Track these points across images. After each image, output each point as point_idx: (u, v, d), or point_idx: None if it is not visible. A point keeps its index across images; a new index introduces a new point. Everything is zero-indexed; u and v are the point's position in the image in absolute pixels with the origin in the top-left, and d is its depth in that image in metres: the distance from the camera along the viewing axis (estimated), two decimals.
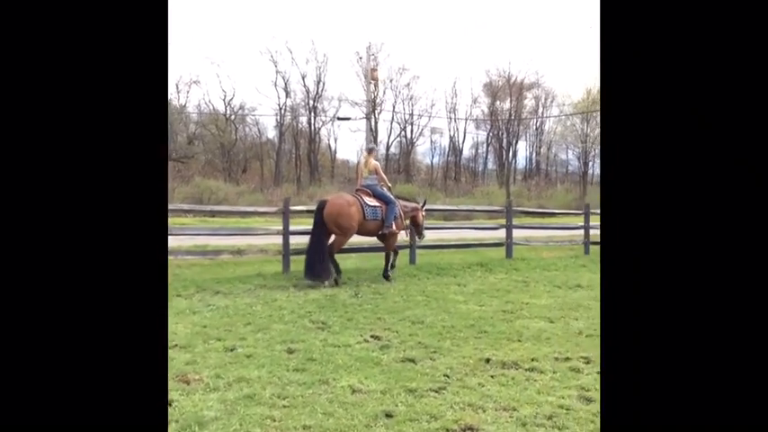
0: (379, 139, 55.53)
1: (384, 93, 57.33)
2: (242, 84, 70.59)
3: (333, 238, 8.75)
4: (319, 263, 8.40)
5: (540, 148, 57.34)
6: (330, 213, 8.56)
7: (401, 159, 56.42)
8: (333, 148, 57.84)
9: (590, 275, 10.32)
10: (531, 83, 53.94)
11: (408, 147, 56.69)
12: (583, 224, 13.59)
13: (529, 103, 56.34)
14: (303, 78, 49.18)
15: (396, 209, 9.15)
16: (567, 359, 5.11)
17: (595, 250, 13.63)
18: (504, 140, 55.28)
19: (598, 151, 55.25)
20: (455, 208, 20.22)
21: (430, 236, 11.54)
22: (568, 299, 8.04)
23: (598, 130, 54.40)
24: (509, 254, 12.31)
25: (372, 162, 9.37)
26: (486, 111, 55.07)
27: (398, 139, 56.46)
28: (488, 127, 55.29)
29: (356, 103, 48.23)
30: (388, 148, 56.42)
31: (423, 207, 10.16)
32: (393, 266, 9.38)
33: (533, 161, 57.40)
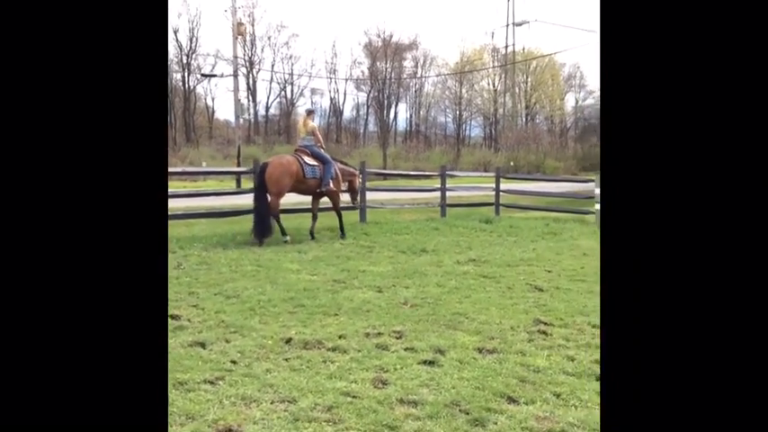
0: (258, 99, 53.69)
1: (263, 50, 55.39)
2: None
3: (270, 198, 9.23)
4: (265, 223, 8.98)
5: (419, 110, 57.68)
6: (271, 174, 9.06)
7: (281, 120, 54.99)
8: (210, 108, 55.41)
9: (439, 239, 10.12)
10: (410, 44, 53.81)
11: (289, 107, 55.31)
12: (439, 186, 13.39)
13: (408, 65, 56.30)
14: (175, 33, 46.40)
15: (332, 168, 9.68)
16: (379, 334, 4.72)
17: (451, 212, 13.55)
18: (385, 102, 55.09)
19: (471, 113, 56.44)
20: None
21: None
22: (408, 265, 7.72)
23: (472, 93, 55.53)
24: (362, 218, 11.94)
25: (310, 124, 9.88)
26: (366, 72, 54.49)
27: (278, 99, 54.91)
28: (369, 88, 54.81)
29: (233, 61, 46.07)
30: (267, 108, 54.78)
31: (360, 174, 10.87)
32: (341, 227, 9.97)
33: (413, 123, 57.69)
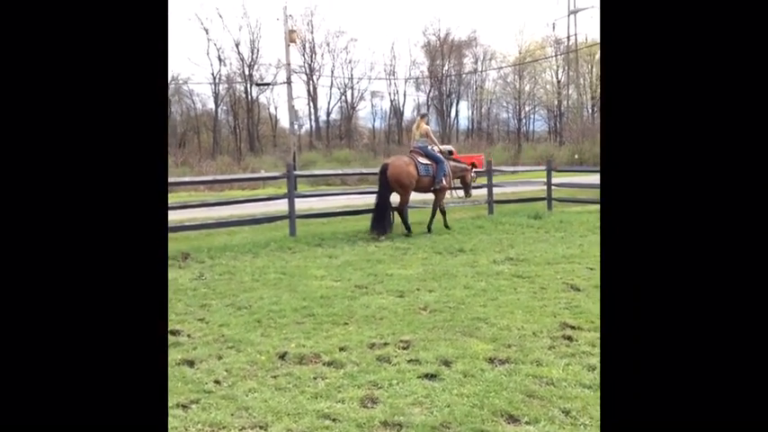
0: (319, 105, 54.17)
1: (322, 57, 55.86)
2: (172, 53, 67.84)
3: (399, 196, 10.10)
4: (385, 219, 9.88)
5: (480, 107, 56.81)
6: (392, 174, 9.83)
7: (342, 125, 55.30)
8: (274, 117, 56.30)
9: (480, 237, 9.65)
10: (469, 41, 53.09)
11: (350, 111, 55.57)
12: (486, 183, 12.85)
13: (468, 62, 55.56)
14: (237, 46, 47.36)
15: (445, 167, 10.39)
16: (385, 345, 4.37)
17: (500, 209, 13.00)
18: (445, 101, 54.57)
19: (533, 107, 55.19)
20: (332, 172, 19.47)
21: (315, 204, 10.73)
22: (440, 266, 7.32)
23: (528, 86, 54.28)
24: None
25: (423, 126, 10.61)
26: (425, 72, 54.09)
27: (339, 104, 55.23)
28: (429, 88, 54.41)
29: (294, 70, 46.64)
30: (328, 113, 55.21)
31: (472, 170, 11.44)
32: (439, 220, 10.57)
33: (474, 121, 56.87)
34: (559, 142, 48.82)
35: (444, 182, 10.40)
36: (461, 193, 11.49)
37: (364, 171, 16.00)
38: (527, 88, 53.85)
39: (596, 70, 54.91)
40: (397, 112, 55.71)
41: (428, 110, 52.59)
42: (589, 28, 73.86)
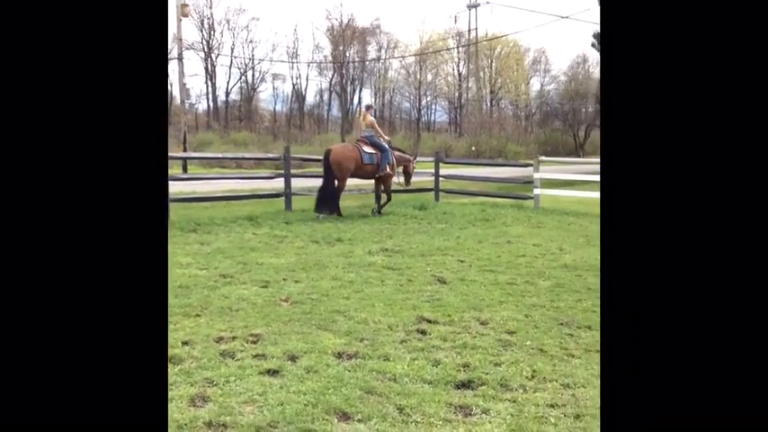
0: (217, 84, 52.54)
1: (222, 35, 54.14)
2: None
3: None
4: (331, 200, 10.55)
5: (383, 95, 57.03)
6: (334, 159, 10.53)
7: (242, 106, 53.95)
8: (170, 94, 54.10)
9: (363, 226, 9.61)
10: (372, 28, 53.08)
11: (250, 93, 54.24)
12: None
13: (372, 49, 55.55)
14: None
15: (389, 156, 11.15)
16: (233, 338, 4.20)
17: (396, 198, 13.02)
18: (348, 87, 54.39)
19: (434, 98, 56.03)
20: (222, 156, 19.15)
21: (198, 187, 10.32)
22: (313, 256, 7.19)
23: (430, 76, 55.06)
24: (288, 206, 11.34)
25: (369, 118, 11.38)
26: (328, 57, 53.63)
27: (239, 84, 53.77)
28: (332, 73, 54.00)
29: (191, 46, 44.92)
30: (227, 94, 53.64)
31: (414, 159, 12.32)
32: (383, 205, 11.32)
33: (376, 109, 56.98)
34: (459, 134, 49.80)
35: (388, 169, 11.11)
36: (402, 179, 12.25)
37: (260, 156, 15.62)
38: (428, 79, 54.57)
39: (495, 64, 56.40)
40: (299, 95, 54.94)
41: (330, 96, 52.25)
42: (489, 22, 75.57)
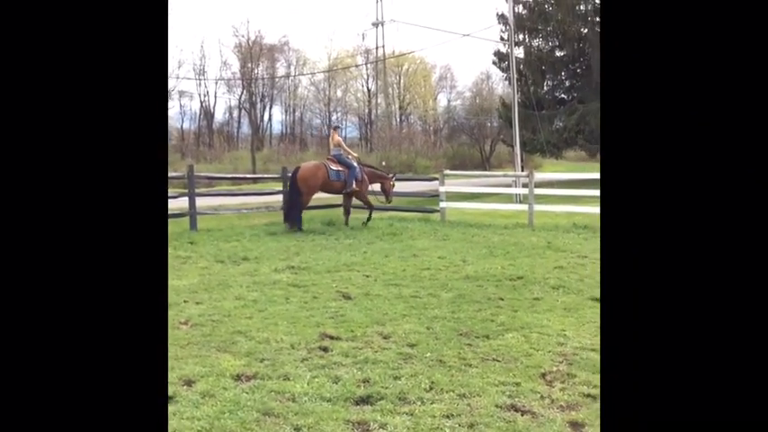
0: None
1: None
2: None
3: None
4: (294, 216, 11.23)
5: (294, 112, 56.79)
6: (300, 176, 11.28)
7: None
8: None
9: (269, 245, 9.49)
10: (281, 45, 52.84)
11: None
12: (282, 189, 12.74)
13: (281, 66, 55.26)
14: None
15: (356, 173, 11.83)
16: None
17: (304, 214, 12.94)
18: (258, 104, 53.79)
19: (345, 114, 56.33)
20: None
21: None
22: (217, 276, 7.04)
23: (339, 93, 55.37)
24: (193, 225, 11.07)
25: (336, 137, 12.25)
26: (237, 74, 52.90)
27: None
28: (240, 90, 53.27)
29: None
30: None
31: (393, 178, 12.94)
32: (368, 219, 12.05)
33: (287, 125, 56.70)
34: (369, 149, 50.17)
35: (355, 185, 11.74)
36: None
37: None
38: (338, 95, 54.83)
39: (403, 81, 57.36)
40: (207, 113, 53.84)
41: (240, 113, 51.49)
42: (396, 40, 76.77)
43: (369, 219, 12.08)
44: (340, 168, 11.75)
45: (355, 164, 12.03)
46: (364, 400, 3.47)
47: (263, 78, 52.04)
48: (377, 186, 12.65)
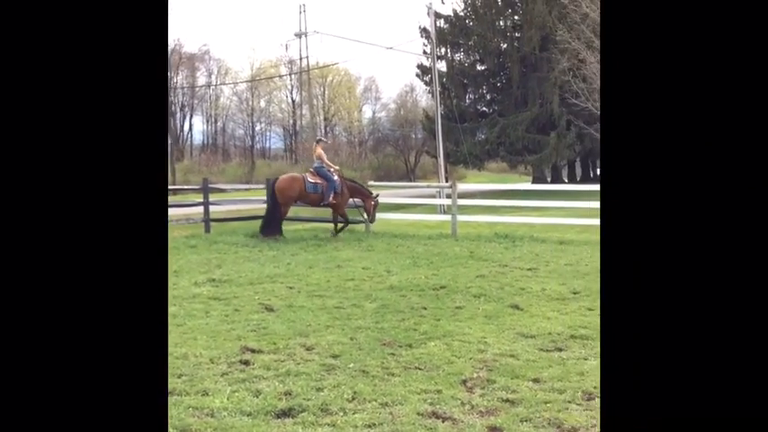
0: None
1: None
2: None
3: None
4: (273, 224, 11.59)
5: (215, 122, 55.83)
6: (278, 187, 11.68)
7: None
8: None
9: (190, 257, 9.26)
10: (201, 54, 51.93)
11: None
12: (202, 200, 12.48)
13: (202, 76, 54.27)
14: None
15: (334, 186, 11.92)
16: None
17: (219, 228, 12.71)
18: (178, 113, 52.56)
19: (269, 125, 55.84)
20: None
21: None
22: None
23: (263, 103, 54.93)
24: None
25: (318, 150, 12.31)
26: None
27: None
28: None
29: None
30: None
31: (375, 197, 12.82)
32: (340, 230, 12.13)
33: (209, 136, 55.66)
34: (294, 160, 49.85)
35: (332, 198, 11.86)
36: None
37: None
38: (262, 105, 54.32)
39: (328, 92, 57.38)
40: None
41: None
42: (320, 51, 76.72)
43: (341, 229, 12.17)
44: (318, 181, 11.91)
45: (335, 177, 12.14)
46: (286, 413, 3.42)
47: (182, 87, 50.93)
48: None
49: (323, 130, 56.71)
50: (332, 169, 12.34)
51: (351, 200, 12.49)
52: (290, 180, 12.00)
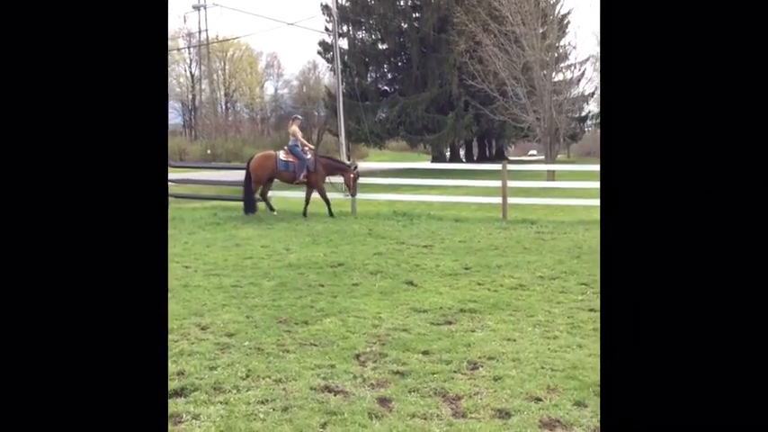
0: None
1: None
2: None
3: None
4: (251, 201, 11.80)
5: None
6: (251, 165, 11.87)
7: None
8: None
9: None
10: None
11: None
12: None
13: None
14: None
15: (307, 164, 11.90)
16: None
17: None
18: None
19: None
20: None
21: None
22: None
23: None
24: None
25: (293, 128, 12.35)
26: None
27: None
28: None
29: None
30: None
31: (355, 169, 12.46)
32: (329, 211, 11.87)
33: None
34: (193, 136, 48.44)
35: (303, 176, 11.87)
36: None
37: None
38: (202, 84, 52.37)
39: (229, 67, 55.97)
40: None
41: None
42: (220, 25, 74.45)
43: (330, 212, 11.79)
44: (290, 159, 11.92)
45: (309, 155, 12.06)
46: (178, 393, 3.43)
47: None
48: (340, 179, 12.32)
49: (223, 106, 55.41)
50: (306, 148, 12.27)
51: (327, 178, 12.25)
52: (262, 158, 12.06)
